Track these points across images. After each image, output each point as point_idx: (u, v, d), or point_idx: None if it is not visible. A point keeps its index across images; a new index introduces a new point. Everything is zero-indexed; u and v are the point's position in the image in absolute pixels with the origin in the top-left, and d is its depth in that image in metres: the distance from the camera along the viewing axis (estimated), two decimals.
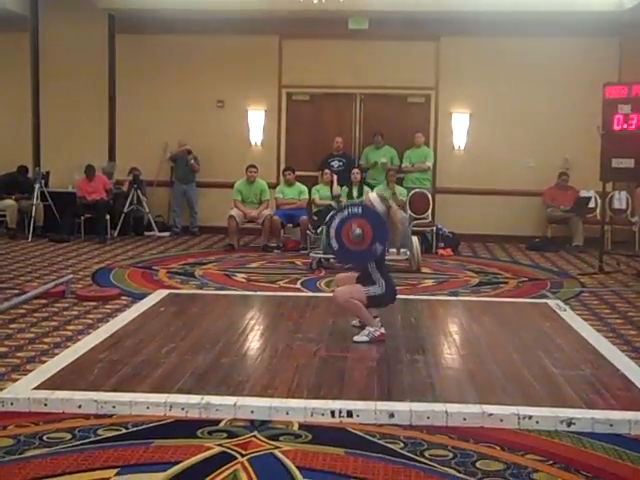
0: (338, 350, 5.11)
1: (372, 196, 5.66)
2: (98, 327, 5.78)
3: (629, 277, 8.67)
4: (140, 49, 12.16)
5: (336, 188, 10.65)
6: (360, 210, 5.44)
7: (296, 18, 11.38)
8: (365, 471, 3.28)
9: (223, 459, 3.36)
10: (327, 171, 10.89)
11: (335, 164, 11.40)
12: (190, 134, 12.01)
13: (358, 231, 5.30)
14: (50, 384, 4.27)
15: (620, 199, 11.45)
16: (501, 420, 3.84)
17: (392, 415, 3.88)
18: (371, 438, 3.66)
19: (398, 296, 6.97)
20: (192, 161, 11.83)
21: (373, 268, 5.39)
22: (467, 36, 11.59)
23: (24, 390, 4.15)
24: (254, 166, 11.01)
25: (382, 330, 5.39)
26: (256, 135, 12.18)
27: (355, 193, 10.65)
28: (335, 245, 5.46)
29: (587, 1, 10.82)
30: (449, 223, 11.19)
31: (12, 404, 4.00)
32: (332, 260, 9.15)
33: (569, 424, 3.80)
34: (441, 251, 10.51)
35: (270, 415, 3.89)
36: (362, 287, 5.39)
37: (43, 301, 6.70)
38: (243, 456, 3.40)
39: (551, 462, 3.41)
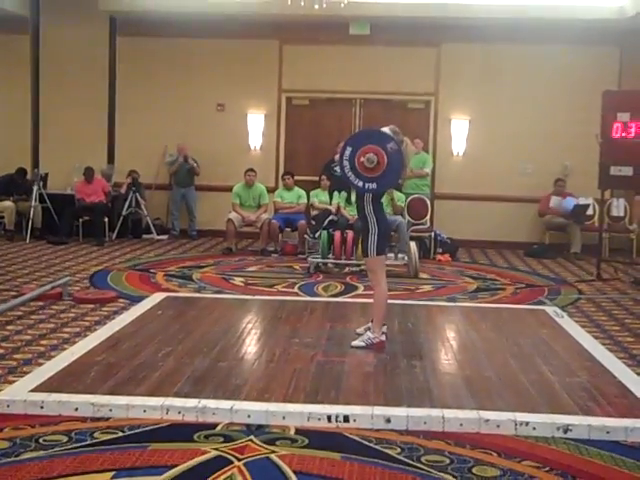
0: (335, 355, 5.11)
1: (385, 129, 5.56)
2: (95, 330, 5.78)
3: (626, 285, 8.67)
4: (141, 51, 12.18)
5: (334, 205, 10.41)
6: (368, 138, 5.46)
7: (297, 22, 11.42)
8: (361, 476, 3.28)
9: (219, 463, 3.36)
10: (324, 177, 10.82)
11: (338, 169, 11.33)
12: (190, 137, 12.02)
13: (373, 156, 5.26)
14: (47, 386, 4.26)
15: (618, 206, 11.46)
16: (498, 426, 3.84)
17: (389, 420, 3.88)
18: (367, 443, 3.66)
19: (396, 301, 7.02)
20: (194, 164, 11.83)
21: (368, 201, 5.37)
22: (468, 43, 11.62)
23: (21, 392, 4.14)
24: (253, 170, 11.02)
25: (382, 338, 5.36)
26: (255, 139, 12.20)
27: (353, 198, 10.56)
28: (359, 183, 5.39)
29: (588, 9, 10.88)
30: (447, 229, 11.20)
31: (8, 406, 3.99)
32: (330, 265, 9.15)
33: (566, 431, 3.81)
34: (439, 257, 10.51)
35: (267, 419, 3.89)
36: (367, 258, 5.44)
37: (40, 303, 6.69)
38: (239, 460, 3.39)
39: (547, 469, 3.41)
